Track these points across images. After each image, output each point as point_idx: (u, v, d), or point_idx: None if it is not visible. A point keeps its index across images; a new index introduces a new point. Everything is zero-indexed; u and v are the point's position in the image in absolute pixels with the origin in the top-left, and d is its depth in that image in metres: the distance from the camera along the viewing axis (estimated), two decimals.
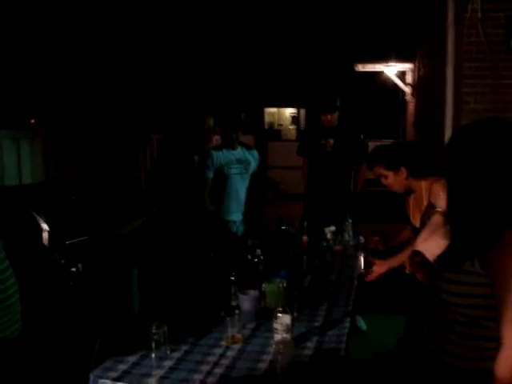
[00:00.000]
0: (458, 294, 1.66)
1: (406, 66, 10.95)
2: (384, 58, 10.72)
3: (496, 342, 1.55)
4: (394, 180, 3.17)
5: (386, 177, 3.19)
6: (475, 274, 1.60)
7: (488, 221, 1.61)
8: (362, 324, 4.58)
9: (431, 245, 2.34)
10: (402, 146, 3.63)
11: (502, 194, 1.61)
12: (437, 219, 2.66)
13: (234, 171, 4.38)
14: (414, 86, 10.57)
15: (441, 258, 1.82)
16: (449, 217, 1.76)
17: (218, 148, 4.40)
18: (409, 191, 3.26)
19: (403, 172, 3.12)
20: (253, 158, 4.58)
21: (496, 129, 1.68)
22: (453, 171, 1.74)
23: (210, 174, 4.29)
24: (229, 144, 4.39)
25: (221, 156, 4.34)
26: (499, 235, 1.56)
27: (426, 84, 8.20)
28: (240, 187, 4.43)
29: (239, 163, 4.42)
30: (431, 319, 1.82)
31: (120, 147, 3.17)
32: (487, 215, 1.62)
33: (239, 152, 4.46)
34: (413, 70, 10.74)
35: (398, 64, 10.81)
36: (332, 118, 4.99)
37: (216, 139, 4.37)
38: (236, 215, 4.42)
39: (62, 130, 5.67)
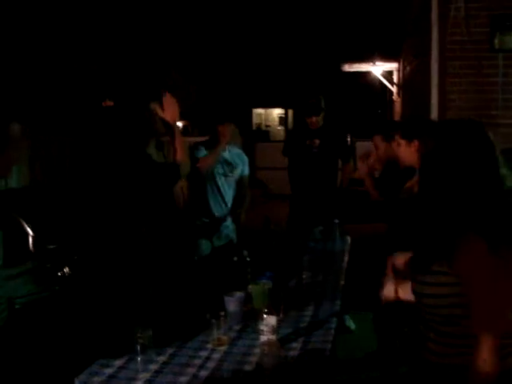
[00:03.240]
0: (430, 295, 1.69)
1: (392, 66, 11.00)
2: (370, 57, 10.76)
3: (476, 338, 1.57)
4: (404, 150, 3.20)
5: (398, 144, 3.24)
6: (444, 274, 1.63)
7: (453, 222, 1.64)
8: (350, 323, 4.59)
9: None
10: (423, 121, 3.67)
11: (467, 197, 1.64)
12: None
13: (218, 171, 4.36)
14: (400, 85, 10.62)
15: (411, 260, 1.85)
16: (418, 218, 1.80)
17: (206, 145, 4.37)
18: (411, 170, 3.26)
19: (415, 145, 3.14)
20: (241, 161, 4.55)
21: (463, 131, 1.71)
22: (421, 171, 1.77)
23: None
24: (215, 141, 4.31)
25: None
26: (463, 237, 1.59)
27: (412, 83, 8.24)
28: (224, 188, 4.42)
29: (226, 164, 4.39)
30: (413, 319, 1.84)
31: (108, 152, 3.14)
32: (452, 217, 1.65)
33: (226, 154, 4.42)
34: (398, 70, 10.79)
35: (384, 63, 10.86)
36: (317, 119, 4.99)
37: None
38: (219, 212, 4.41)
39: (47, 134, 5.61)
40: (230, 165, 4.43)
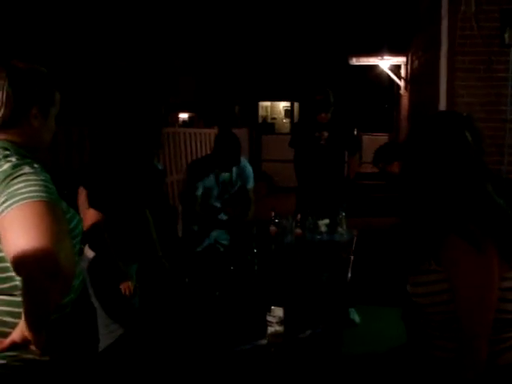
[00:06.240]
0: (425, 295, 1.70)
1: (400, 60, 10.95)
2: (378, 51, 10.70)
3: None
4: None
5: None
6: (435, 272, 1.64)
7: (436, 223, 1.65)
8: (355, 317, 4.59)
9: None
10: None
11: (448, 200, 1.65)
12: None
13: (213, 193, 4.12)
14: (408, 80, 10.57)
15: (401, 262, 1.86)
16: (404, 219, 1.81)
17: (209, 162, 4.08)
18: None
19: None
20: (241, 178, 4.22)
21: (448, 126, 1.70)
22: (407, 169, 1.79)
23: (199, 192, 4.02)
24: (216, 155, 3.98)
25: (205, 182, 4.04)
26: (445, 237, 1.60)
27: (420, 77, 8.19)
28: (217, 204, 4.22)
29: (222, 185, 4.13)
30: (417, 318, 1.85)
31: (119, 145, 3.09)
32: (435, 218, 1.66)
33: (225, 175, 4.11)
34: (406, 64, 10.74)
35: (392, 57, 10.80)
36: (326, 115, 4.98)
37: None
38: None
39: (67, 122, 5.50)
40: (226, 185, 4.17)
